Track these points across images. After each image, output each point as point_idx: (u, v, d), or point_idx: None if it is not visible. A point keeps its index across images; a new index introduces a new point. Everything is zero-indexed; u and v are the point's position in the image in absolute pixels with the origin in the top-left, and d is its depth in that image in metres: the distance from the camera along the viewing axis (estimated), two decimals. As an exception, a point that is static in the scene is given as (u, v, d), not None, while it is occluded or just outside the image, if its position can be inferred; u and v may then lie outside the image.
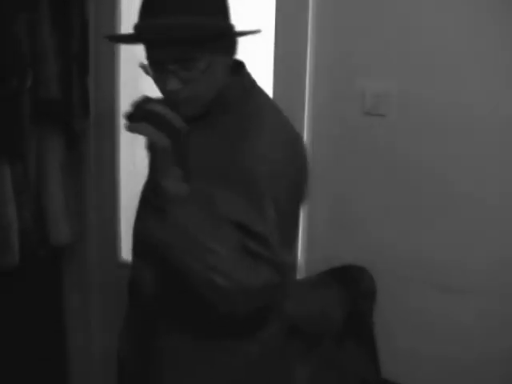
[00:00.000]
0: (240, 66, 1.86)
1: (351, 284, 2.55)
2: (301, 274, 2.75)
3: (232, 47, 1.80)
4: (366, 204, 2.65)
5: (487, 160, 2.43)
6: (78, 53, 3.02)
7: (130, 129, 1.61)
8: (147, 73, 1.74)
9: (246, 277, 1.63)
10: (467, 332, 2.53)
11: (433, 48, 2.45)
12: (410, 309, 2.59)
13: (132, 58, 3.21)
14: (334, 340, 2.46)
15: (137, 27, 1.71)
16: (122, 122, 3.24)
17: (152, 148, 1.65)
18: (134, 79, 3.22)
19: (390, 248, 2.60)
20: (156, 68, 1.71)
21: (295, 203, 1.83)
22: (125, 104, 3.21)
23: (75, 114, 3.04)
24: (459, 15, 2.41)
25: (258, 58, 2.77)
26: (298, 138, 1.85)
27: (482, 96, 2.41)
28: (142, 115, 1.62)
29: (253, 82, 1.86)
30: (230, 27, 1.78)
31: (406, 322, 2.61)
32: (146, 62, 1.74)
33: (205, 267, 1.61)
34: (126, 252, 3.27)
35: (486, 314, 2.49)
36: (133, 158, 3.26)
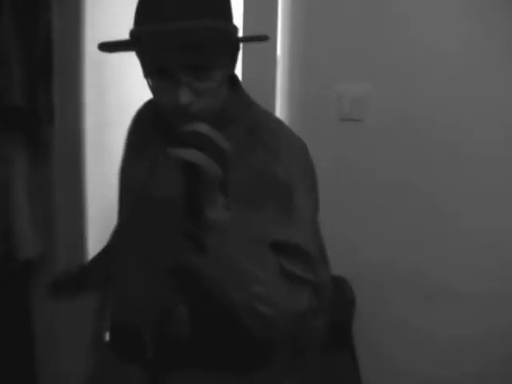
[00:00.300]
0: (233, 76, 1.75)
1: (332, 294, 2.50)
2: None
3: (237, 55, 1.68)
4: (341, 212, 2.59)
5: (470, 164, 2.40)
6: (42, 57, 2.92)
7: (177, 155, 1.42)
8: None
9: (288, 302, 1.57)
10: (452, 341, 2.49)
11: (411, 51, 2.42)
12: (392, 318, 2.55)
13: (98, 62, 3.15)
14: (319, 351, 2.41)
15: (144, 32, 1.52)
16: (91, 129, 3.18)
17: (190, 172, 1.44)
18: (100, 85, 3.15)
19: (371, 257, 2.55)
20: (163, 79, 1.53)
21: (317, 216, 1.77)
22: (90, 110, 3.14)
23: (40, 121, 2.95)
24: (438, 18, 2.38)
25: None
26: (306, 145, 1.78)
27: (464, 98, 2.38)
28: (186, 137, 1.43)
29: (247, 93, 1.76)
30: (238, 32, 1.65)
31: (389, 331, 2.57)
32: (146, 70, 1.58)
33: (249, 296, 1.54)
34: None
35: (471, 322, 2.46)
36: (101, 167, 3.17)
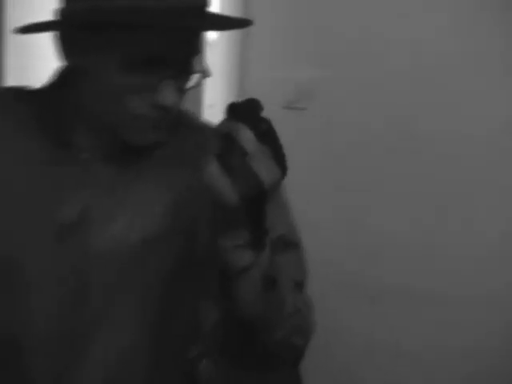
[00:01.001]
0: None
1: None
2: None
3: None
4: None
5: (420, 156, 2.34)
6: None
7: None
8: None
9: (312, 321, 1.41)
10: (398, 345, 2.43)
11: (361, 36, 2.31)
12: (336, 321, 2.45)
13: (20, 43, 2.95)
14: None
15: (135, 10, 1.13)
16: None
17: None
18: (22, 67, 2.97)
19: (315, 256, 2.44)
20: (140, 74, 1.18)
21: None
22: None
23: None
24: (388, 3, 2.28)
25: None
26: None
27: (412, 87, 2.31)
28: (223, 147, 1.14)
29: None
30: None
31: (332, 336, 2.47)
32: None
33: (287, 331, 1.33)
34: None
35: (417, 325, 2.39)
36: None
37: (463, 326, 2.42)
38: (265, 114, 2.43)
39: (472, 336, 2.41)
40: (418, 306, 2.41)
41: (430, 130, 2.32)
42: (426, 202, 2.38)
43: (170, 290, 1.34)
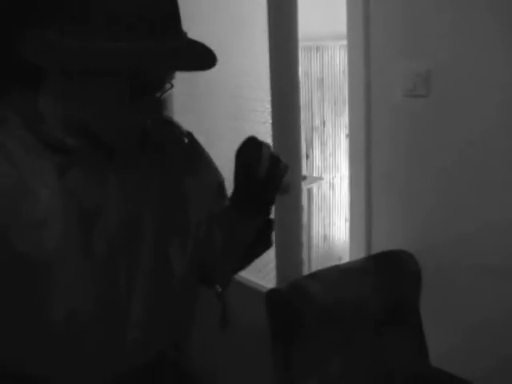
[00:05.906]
0: None
1: (394, 270, 2.47)
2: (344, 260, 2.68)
3: None
4: (407, 187, 2.57)
5: None
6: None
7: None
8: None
9: None
10: None
11: (466, 28, 2.35)
12: (459, 295, 2.50)
13: None
14: (373, 329, 2.37)
15: (163, 50, 1.25)
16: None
17: None
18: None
19: (436, 231, 2.52)
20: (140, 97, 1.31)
21: None
22: None
23: None
24: None
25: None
26: None
27: None
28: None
29: None
30: None
31: (456, 309, 2.51)
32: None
33: None
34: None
35: None
36: None
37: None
38: (387, 102, 2.51)
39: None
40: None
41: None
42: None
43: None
